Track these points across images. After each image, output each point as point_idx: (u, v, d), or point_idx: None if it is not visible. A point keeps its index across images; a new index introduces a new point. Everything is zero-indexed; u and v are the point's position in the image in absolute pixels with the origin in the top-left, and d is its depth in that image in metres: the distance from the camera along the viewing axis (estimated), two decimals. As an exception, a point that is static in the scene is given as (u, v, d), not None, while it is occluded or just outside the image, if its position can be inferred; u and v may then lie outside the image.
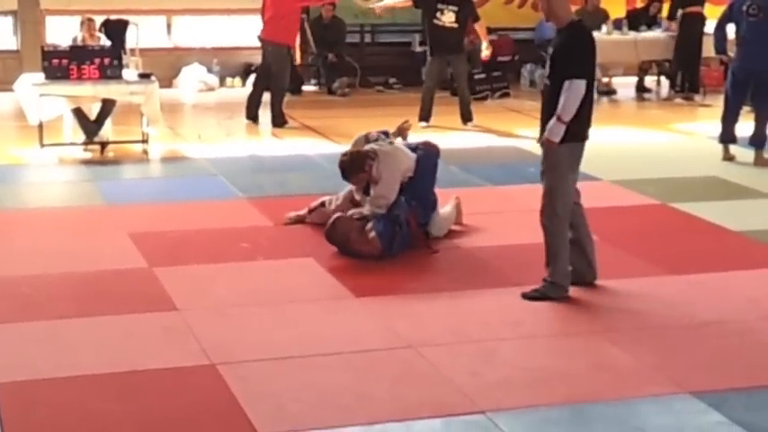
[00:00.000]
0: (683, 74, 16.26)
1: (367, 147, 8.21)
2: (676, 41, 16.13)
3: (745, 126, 11.48)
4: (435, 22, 13.27)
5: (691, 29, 15.91)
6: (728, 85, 11.53)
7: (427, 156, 8.37)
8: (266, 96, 13.75)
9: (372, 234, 7.76)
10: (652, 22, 17.03)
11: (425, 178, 8.27)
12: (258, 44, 13.98)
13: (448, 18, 13.23)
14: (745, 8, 11.15)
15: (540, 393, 5.55)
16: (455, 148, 11.87)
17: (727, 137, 11.46)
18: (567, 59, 6.78)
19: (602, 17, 16.74)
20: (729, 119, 11.45)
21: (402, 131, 8.69)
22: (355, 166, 8.08)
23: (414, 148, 8.38)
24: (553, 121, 6.78)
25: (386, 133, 8.54)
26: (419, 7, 13.73)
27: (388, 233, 7.80)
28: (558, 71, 6.81)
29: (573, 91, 6.73)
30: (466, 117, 13.60)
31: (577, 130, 6.86)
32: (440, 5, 13.19)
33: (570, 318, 6.73)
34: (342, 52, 16.73)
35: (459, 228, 8.47)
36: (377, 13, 14.45)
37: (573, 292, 6.96)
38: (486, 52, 13.93)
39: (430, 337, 6.29)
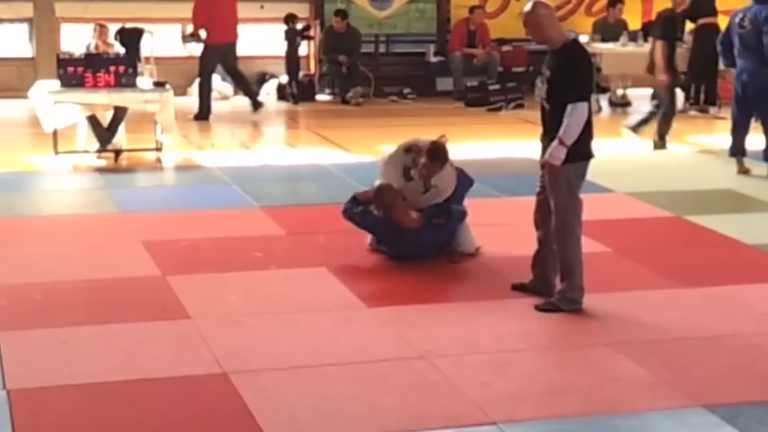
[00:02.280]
0: (698, 86, 16.23)
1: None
2: (690, 53, 16.07)
3: (759, 140, 11.45)
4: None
5: (705, 41, 15.84)
6: (733, 98, 11.55)
7: (464, 183, 8.33)
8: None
9: (416, 214, 7.78)
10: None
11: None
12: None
13: None
14: (737, 20, 11.19)
15: (553, 405, 5.53)
16: (469, 159, 11.84)
17: (737, 150, 11.43)
18: (569, 83, 6.74)
19: (621, 29, 16.74)
20: (737, 132, 11.44)
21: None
22: (440, 155, 8.01)
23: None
24: (555, 143, 6.74)
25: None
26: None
27: (432, 216, 7.85)
28: (559, 94, 6.77)
29: (576, 115, 6.70)
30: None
31: (582, 149, 6.83)
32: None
33: (583, 330, 6.71)
34: (356, 61, 16.74)
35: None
36: None
37: (586, 304, 6.94)
38: None
39: (442, 347, 6.28)
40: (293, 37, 16.60)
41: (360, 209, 8.06)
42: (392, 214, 7.84)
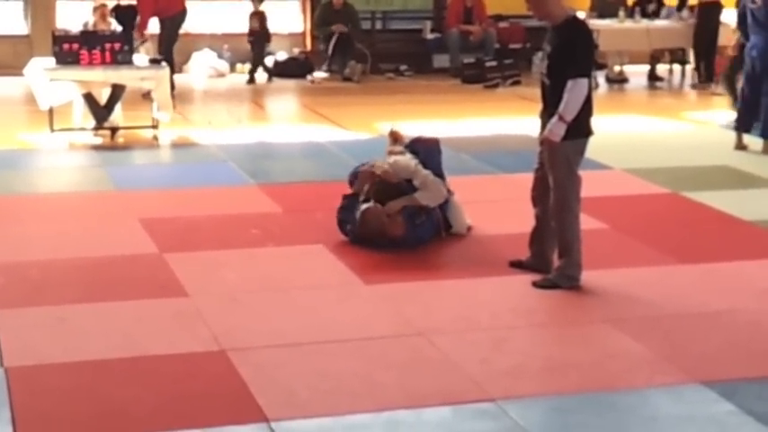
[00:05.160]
0: (698, 62, 16.23)
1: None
2: (695, 31, 16.09)
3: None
4: None
5: (708, 18, 15.87)
6: (743, 72, 11.58)
7: (429, 152, 8.26)
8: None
9: (400, 218, 7.72)
10: (658, 9, 17.03)
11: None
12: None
13: None
14: None
15: (551, 382, 5.53)
16: (466, 136, 11.84)
17: (742, 124, 11.41)
18: (570, 59, 6.72)
19: (619, 5, 16.70)
20: (745, 107, 11.41)
21: (395, 136, 8.58)
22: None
23: (413, 150, 8.25)
24: (555, 120, 6.73)
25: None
26: None
27: (412, 216, 7.77)
28: (559, 70, 6.75)
29: (576, 91, 6.68)
30: None
31: (581, 126, 6.82)
32: None
33: (581, 306, 6.70)
34: (351, 34, 16.60)
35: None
36: None
37: (584, 280, 6.93)
38: None
39: (440, 324, 6.28)
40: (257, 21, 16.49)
41: (348, 227, 7.93)
42: (381, 236, 7.76)
